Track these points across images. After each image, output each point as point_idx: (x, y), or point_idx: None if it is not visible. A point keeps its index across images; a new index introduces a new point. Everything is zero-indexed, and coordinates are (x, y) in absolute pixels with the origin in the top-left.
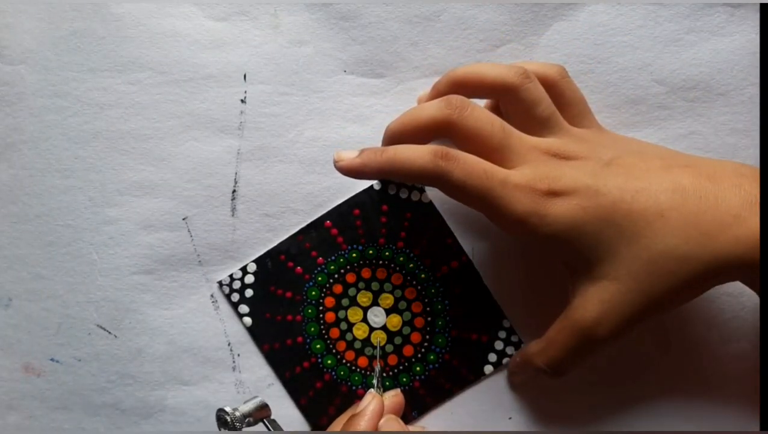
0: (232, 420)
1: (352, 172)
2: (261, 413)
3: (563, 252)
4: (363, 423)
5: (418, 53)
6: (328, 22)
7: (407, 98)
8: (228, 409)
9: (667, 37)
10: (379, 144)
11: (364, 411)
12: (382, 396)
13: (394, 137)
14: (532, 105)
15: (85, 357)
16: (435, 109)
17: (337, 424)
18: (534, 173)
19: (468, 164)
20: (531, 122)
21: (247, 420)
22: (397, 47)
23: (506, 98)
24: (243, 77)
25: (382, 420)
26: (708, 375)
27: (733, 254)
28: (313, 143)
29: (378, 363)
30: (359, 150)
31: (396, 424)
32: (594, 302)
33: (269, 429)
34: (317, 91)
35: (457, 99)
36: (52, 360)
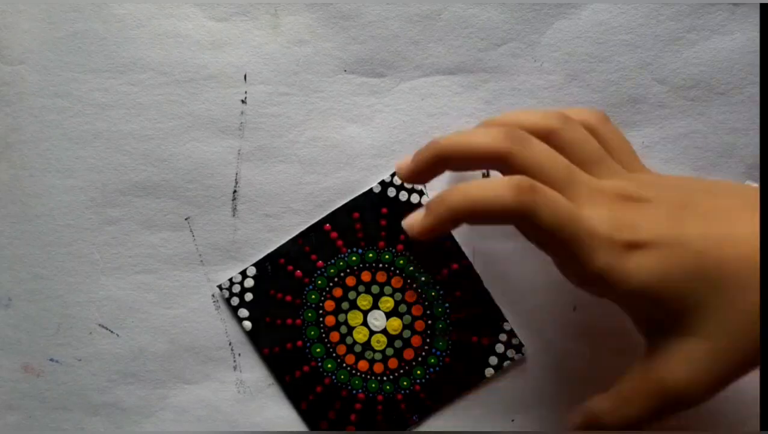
0: None
1: (427, 235)
2: None
3: (645, 308)
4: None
5: (419, 52)
6: (328, 22)
7: (408, 97)
8: None
9: (669, 35)
10: (381, 144)
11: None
12: None
13: (438, 158)
14: (580, 146)
15: (86, 357)
16: (496, 139)
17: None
18: (612, 220)
19: (557, 203)
20: (580, 165)
21: None
22: (397, 46)
23: (550, 144)
24: (243, 78)
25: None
26: None
27: None
28: (314, 143)
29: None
30: (425, 206)
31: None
32: (682, 361)
33: None
34: (317, 91)
35: (519, 132)
36: (51, 360)
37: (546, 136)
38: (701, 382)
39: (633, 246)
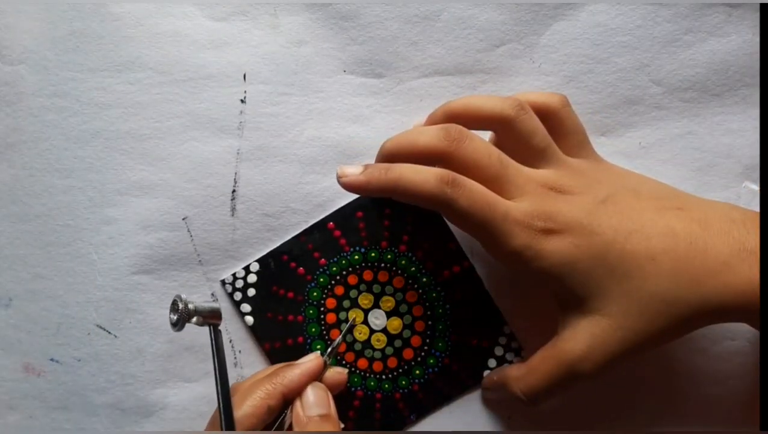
0: (181, 309)
1: (354, 188)
2: (211, 318)
3: (555, 286)
4: (291, 374)
5: (418, 53)
6: (327, 22)
7: (407, 98)
8: (183, 297)
9: (666, 37)
10: (380, 144)
11: (299, 364)
12: (328, 365)
13: (388, 157)
14: (528, 136)
15: (85, 357)
16: (433, 137)
17: (262, 373)
18: (531, 208)
19: (474, 193)
20: (527, 153)
21: (195, 318)
22: (396, 47)
23: (502, 130)
24: (243, 77)
25: (309, 386)
26: (707, 373)
27: (721, 300)
28: (313, 142)
29: (338, 336)
30: (363, 166)
31: (323, 394)
32: (583, 335)
33: (212, 338)
34: (317, 91)
35: (455, 129)
36: (51, 360)
37: (500, 124)
38: (598, 355)
39: (548, 232)
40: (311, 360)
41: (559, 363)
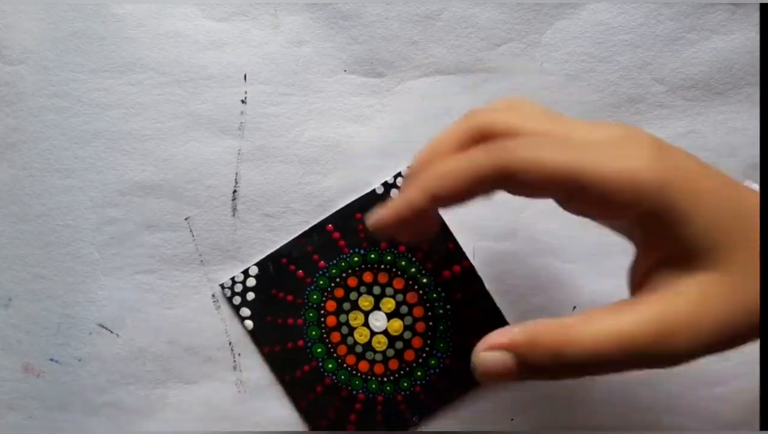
0: None
1: (395, 223)
2: None
3: (663, 233)
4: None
5: (419, 52)
6: (328, 22)
7: (408, 97)
8: None
9: (668, 35)
10: (381, 144)
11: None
12: None
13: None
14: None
15: (86, 357)
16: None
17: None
18: (612, 128)
19: (533, 139)
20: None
21: None
22: (397, 46)
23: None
24: (243, 78)
25: None
26: (707, 373)
27: None
28: (314, 142)
29: None
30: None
31: None
32: (689, 296)
33: None
34: (317, 91)
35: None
36: (51, 360)
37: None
38: (705, 325)
39: (660, 146)
40: None
41: (662, 331)
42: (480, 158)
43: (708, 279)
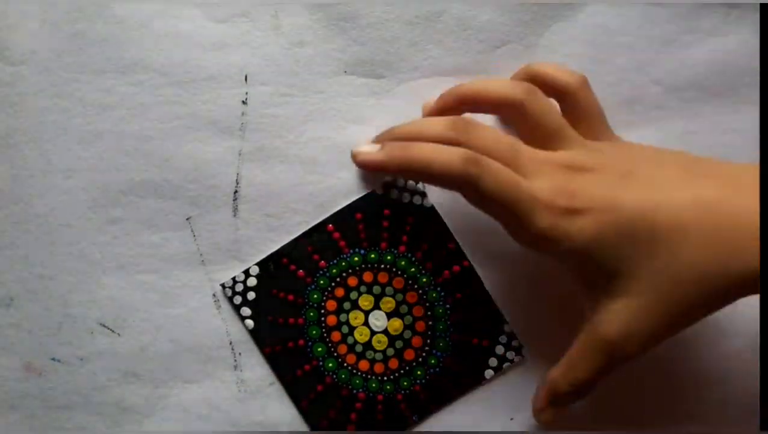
0: None
1: (372, 166)
2: None
3: (583, 267)
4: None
5: (419, 54)
6: (328, 23)
7: (408, 98)
8: None
9: (665, 37)
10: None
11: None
12: None
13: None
14: (539, 118)
15: (87, 356)
16: (441, 129)
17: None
18: (552, 188)
19: (500, 173)
20: (540, 135)
21: None
22: (397, 48)
23: (513, 114)
24: (244, 78)
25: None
26: (707, 373)
27: (756, 269)
28: (314, 143)
29: None
30: (380, 143)
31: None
32: (619, 318)
33: None
34: (318, 92)
35: (461, 121)
36: (53, 359)
37: (511, 107)
38: (638, 336)
39: (572, 212)
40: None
41: (600, 350)
42: (458, 166)
43: (628, 302)
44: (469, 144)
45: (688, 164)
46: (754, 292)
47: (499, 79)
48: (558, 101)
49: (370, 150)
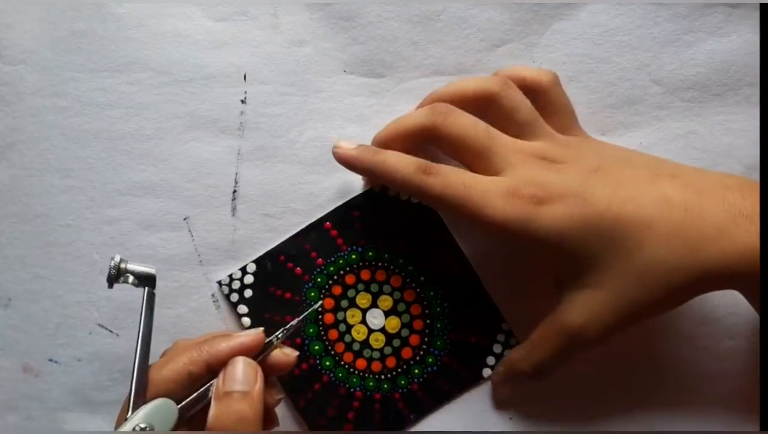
0: (113, 267)
1: (344, 161)
2: (145, 280)
3: (549, 259)
4: (220, 344)
5: (419, 53)
6: (328, 22)
7: (407, 98)
8: (117, 257)
9: (666, 37)
10: None
11: (234, 335)
12: (272, 344)
13: (380, 145)
14: (514, 110)
15: (86, 357)
16: (420, 115)
17: (196, 339)
18: (518, 178)
19: (448, 178)
20: (513, 127)
21: (123, 277)
22: (397, 47)
23: (489, 107)
24: (243, 77)
25: (237, 359)
26: (705, 372)
27: (718, 266)
28: (314, 143)
29: (296, 319)
30: (358, 144)
31: (251, 371)
32: (581, 308)
33: (143, 299)
34: (317, 91)
35: (442, 105)
36: (50, 360)
37: (486, 100)
38: (597, 326)
39: (538, 200)
40: (248, 334)
41: (560, 335)
42: (410, 173)
43: (590, 294)
44: (446, 127)
45: (656, 165)
46: (717, 288)
47: (474, 77)
48: (531, 99)
49: (347, 146)
